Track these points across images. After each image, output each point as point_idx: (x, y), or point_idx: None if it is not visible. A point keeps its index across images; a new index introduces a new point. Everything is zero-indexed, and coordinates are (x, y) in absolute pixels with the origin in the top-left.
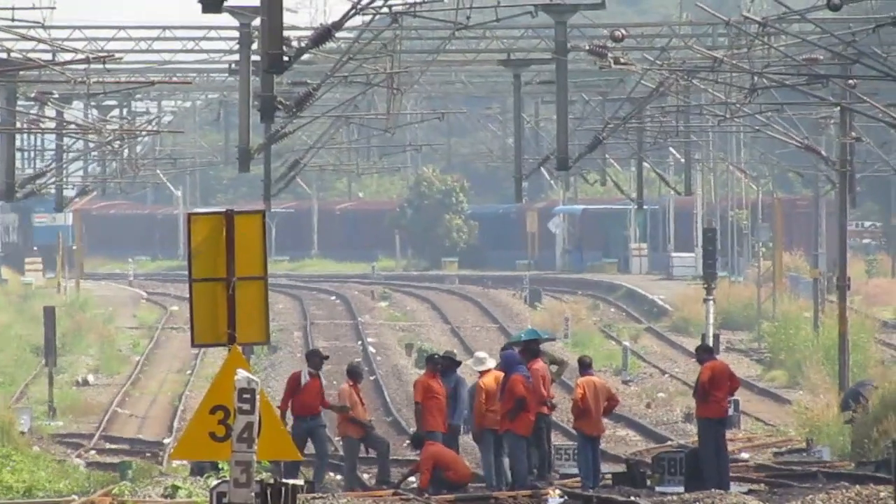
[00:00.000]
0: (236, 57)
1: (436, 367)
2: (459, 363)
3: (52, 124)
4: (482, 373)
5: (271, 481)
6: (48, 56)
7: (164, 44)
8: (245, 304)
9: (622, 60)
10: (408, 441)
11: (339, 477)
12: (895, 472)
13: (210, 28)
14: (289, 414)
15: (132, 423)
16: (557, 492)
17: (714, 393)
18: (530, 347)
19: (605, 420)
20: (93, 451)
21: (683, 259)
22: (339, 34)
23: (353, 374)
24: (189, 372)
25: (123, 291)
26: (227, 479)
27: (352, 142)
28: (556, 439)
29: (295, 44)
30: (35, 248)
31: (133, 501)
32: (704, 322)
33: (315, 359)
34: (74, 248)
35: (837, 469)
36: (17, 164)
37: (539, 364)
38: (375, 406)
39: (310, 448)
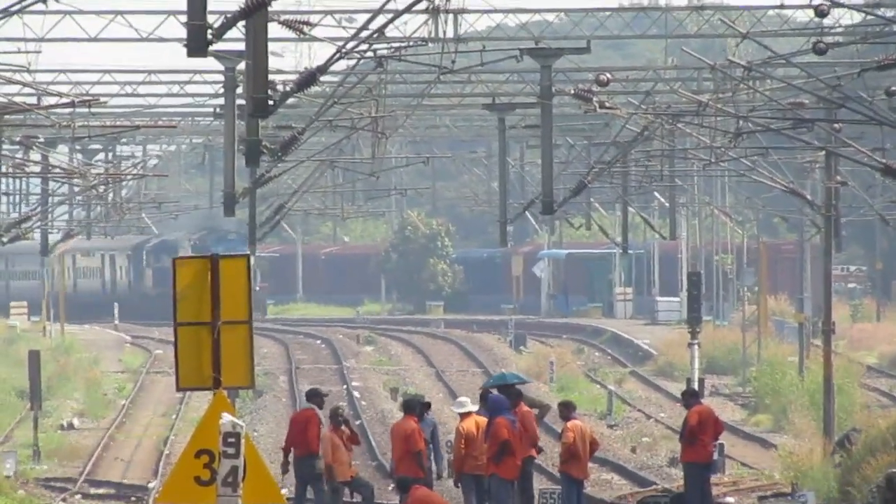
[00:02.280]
0: (221, 101)
1: (421, 413)
2: (429, 405)
3: (38, 168)
4: (462, 416)
5: None
6: (33, 100)
7: (149, 88)
8: (230, 348)
9: (607, 104)
10: (392, 485)
11: None
12: None
13: (195, 72)
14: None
15: (117, 466)
16: None
17: (700, 437)
18: (510, 392)
19: (589, 464)
20: (78, 496)
21: (668, 303)
22: (324, 78)
23: (334, 418)
24: (174, 416)
25: (108, 335)
26: None
27: (337, 186)
28: (540, 483)
29: (280, 88)
30: None
31: None
32: (689, 366)
33: (316, 398)
34: (258, 289)
35: None
36: (2, 208)
37: (526, 407)
38: (360, 450)
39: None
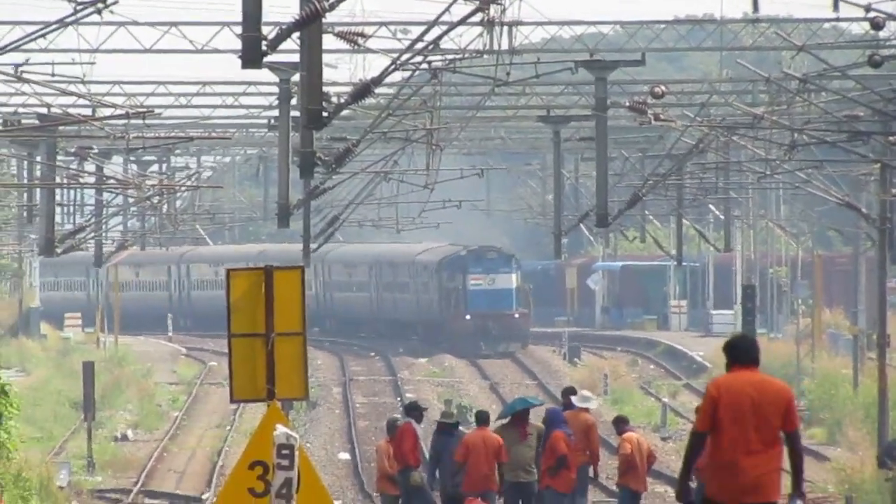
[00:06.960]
0: (275, 112)
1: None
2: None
3: (92, 179)
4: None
5: None
6: (88, 111)
7: (203, 99)
8: (284, 359)
9: (662, 117)
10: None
11: None
12: None
13: (249, 84)
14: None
15: (171, 478)
16: None
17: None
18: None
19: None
20: None
21: (723, 316)
22: (378, 90)
23: (391, 430)
24: (228, 427)
25: (163, 347)
26: None
27: (391, 197)
28: (595, 495)
29: (334, 99)
30: (468, 318)
31: None
32: None
33: (415, 412)
34: (516, 316)
35: None
36: (57, 218)
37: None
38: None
39: None
